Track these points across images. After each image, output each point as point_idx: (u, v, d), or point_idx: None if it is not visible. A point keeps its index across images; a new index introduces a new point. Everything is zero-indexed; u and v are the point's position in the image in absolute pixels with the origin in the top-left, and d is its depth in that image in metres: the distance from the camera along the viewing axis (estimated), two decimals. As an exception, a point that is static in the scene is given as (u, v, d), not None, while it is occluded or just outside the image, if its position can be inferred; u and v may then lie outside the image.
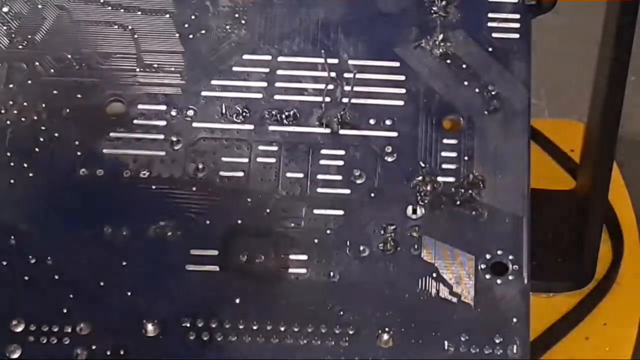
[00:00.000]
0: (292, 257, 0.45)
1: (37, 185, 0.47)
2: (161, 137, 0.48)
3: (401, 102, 0.48)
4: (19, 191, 0.46)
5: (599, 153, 0.57)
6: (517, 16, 0.50)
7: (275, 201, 0.46)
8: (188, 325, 0.44)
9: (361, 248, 0.45)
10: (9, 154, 0.47)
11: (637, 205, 0.66)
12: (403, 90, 0.49)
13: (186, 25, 0.50)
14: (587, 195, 0.59)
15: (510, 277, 0.45)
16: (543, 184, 0.62)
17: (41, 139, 0.47)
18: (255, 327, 0.44)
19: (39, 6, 0.51)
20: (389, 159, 0.47)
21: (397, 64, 0.49)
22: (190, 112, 0.48)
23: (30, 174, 0.47)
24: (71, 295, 0.44)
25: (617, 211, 0.64)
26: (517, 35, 0.50)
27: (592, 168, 0.58)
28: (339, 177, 0.47)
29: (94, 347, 0.44)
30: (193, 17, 0.50)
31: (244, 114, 0.48)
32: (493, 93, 0.48)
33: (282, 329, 0.44)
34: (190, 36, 0.50)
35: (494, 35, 0.50)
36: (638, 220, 0.65)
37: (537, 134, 0.66)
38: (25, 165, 0.47)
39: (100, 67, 0.49)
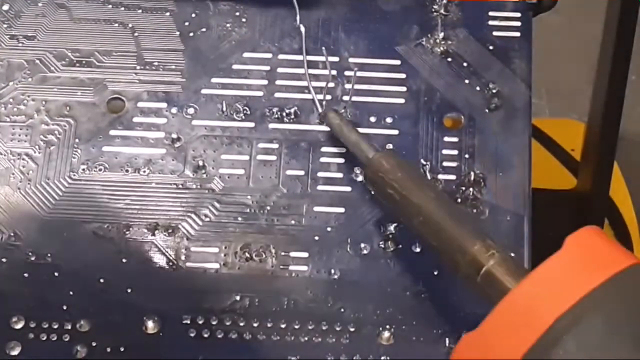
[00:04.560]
0: (292, 254, 0.45)
1: (37, 182, 0.46)
2: (161, 134, 0.48)
3: (402, 100, 0.48)
4: (19, 189, 0.46)
5: (600, 152, 0.57)
6: (518, 14, 0.50)
7: (275, 199, 0.46)
8: (188, 322, 0.44)
9: (362, 245, 0.45)
10: (9, 151, 0.47)
11: (638, 204, 0.66)
12: (404, 89, 0.49)
13: (186, 24, 0.50)
14: (588, 194, 0.59)
15: (511, 275, 0.45)
16: (544, 183, 0.62)
17: (41, 136, 0.47)
18: (255, 325, 0.44)
19: (40, 4, 0.50)
20: (390, 157, 0.47)
21: (398, 62, 0.49)
22: (191, 110, 0.48)
23: (30, 172, 0.47)
24: (71, 292, 0.44)
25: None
26: (517, 34, 0.50)
27: (593, 167, 0.58)
28: (340, 175, 0.47)
29: (93, 344, 0.44)
30: (193, 15, 0.50)
31: (245, 111, 0.48)
32: (494, 91, 0.48)
33: (283, 326, 0.44)
34: (191, 34, 0.50)
35: (495, 33, 0.50)
36: (638, 219, 0.65)
37: (539, 132, 0.66)
38: (26, 162, 0.47)
39: (101, 65, 0.49)
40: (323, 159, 0.47)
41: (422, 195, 0.41)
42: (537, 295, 0.34)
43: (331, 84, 0.48)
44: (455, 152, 0.47)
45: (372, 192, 0.45)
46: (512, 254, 0.45)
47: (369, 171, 0.43)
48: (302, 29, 0.48)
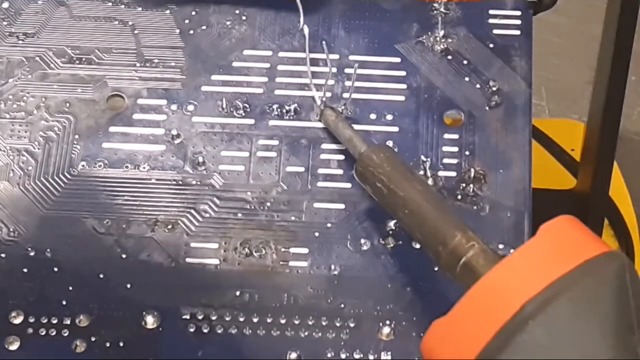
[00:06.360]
0: (292, 250, 0.45)
1: (36, 178, 0.46)
2: (161, 131, 0.47)
3: (402, 98, 0.48)
4: (18, 184, 0.46)
5: (600, 152, 0.57)
6: (518, 13, 0.50)
7: (276, 195, 0.46)
8: (188, 317, 0.44)
9: (362, 242, 0.45)
10: (8, 147, 0.47)
11: (638, 204, 0.66)
12: (404, 86, 0.49)
13: (186, 21, 0.50)
14: (588, 194, 0.59)
15: (512, 271, 0.45)
16: (544, 183, 0.62)
17: (41, 133, 0.47)
18: (255, 320, 0.44)
19: (39, 2, 0.50)
20: (390, 154, 0.47)
21: (398, 60, 0.49)
22: (191, 107, 0.48)
23: (30, 167, 0.47)
24: (70, 288, 0.44)
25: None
26: (518, 32, 0.50)
27: (593, 167, 0.58)
28: (340, 172, 0.47)
29: (93, 339, 0.43)
30: (193, 13, 0.50)
31: (245, 108, 0.48)
32: (494, 89, 0.48)
33: (283, 321, 0.44)
34: (191, 32, 0.50)
35: (495, 31, 0.50)
36: (638, 219, 0.65)
37: (539, 132, 0.66)
38: (25, 158, 0.47)
39: (101, 62, 0.49)
40: (323, 156, 0.47)
41: (408, 188, 0.41)
42: (507, 281, 0.34)
43: (331, 82, 0.48)
44: (455, 149, 0.47)
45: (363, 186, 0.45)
46: (512, 251, 0.45)
47: (360, 165, 0.43)
48: (306, 30, 0.48)
